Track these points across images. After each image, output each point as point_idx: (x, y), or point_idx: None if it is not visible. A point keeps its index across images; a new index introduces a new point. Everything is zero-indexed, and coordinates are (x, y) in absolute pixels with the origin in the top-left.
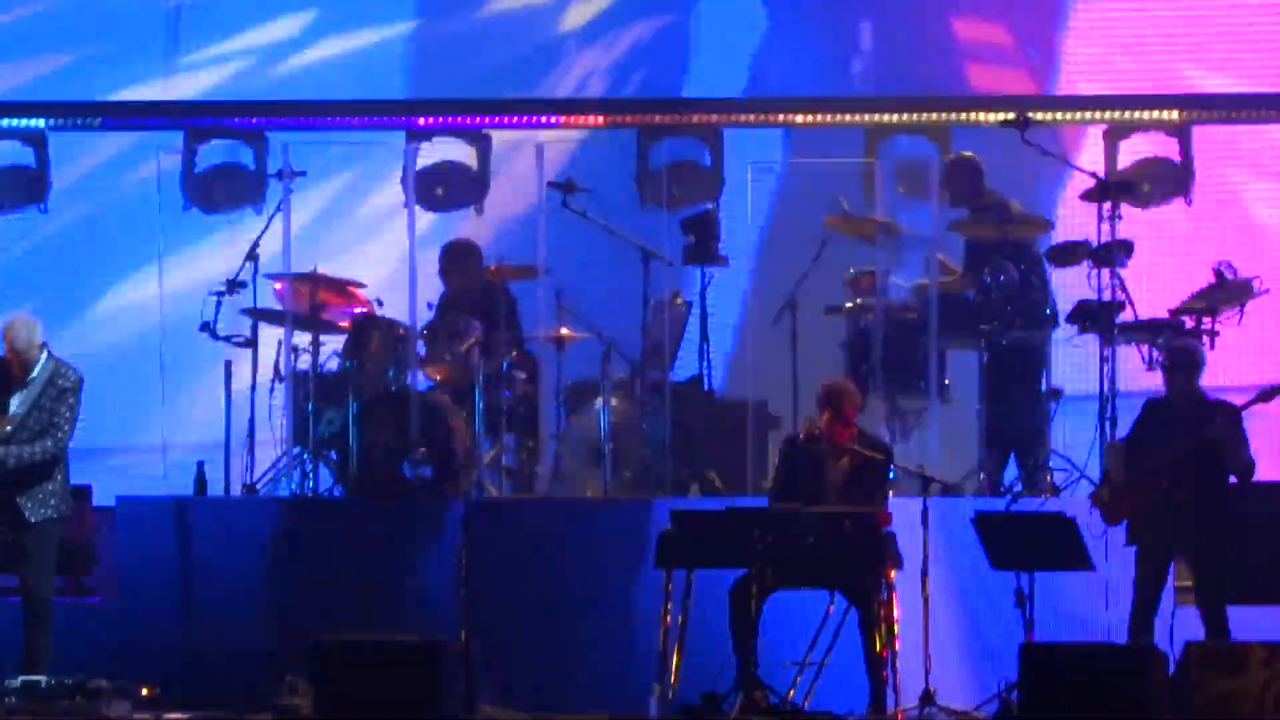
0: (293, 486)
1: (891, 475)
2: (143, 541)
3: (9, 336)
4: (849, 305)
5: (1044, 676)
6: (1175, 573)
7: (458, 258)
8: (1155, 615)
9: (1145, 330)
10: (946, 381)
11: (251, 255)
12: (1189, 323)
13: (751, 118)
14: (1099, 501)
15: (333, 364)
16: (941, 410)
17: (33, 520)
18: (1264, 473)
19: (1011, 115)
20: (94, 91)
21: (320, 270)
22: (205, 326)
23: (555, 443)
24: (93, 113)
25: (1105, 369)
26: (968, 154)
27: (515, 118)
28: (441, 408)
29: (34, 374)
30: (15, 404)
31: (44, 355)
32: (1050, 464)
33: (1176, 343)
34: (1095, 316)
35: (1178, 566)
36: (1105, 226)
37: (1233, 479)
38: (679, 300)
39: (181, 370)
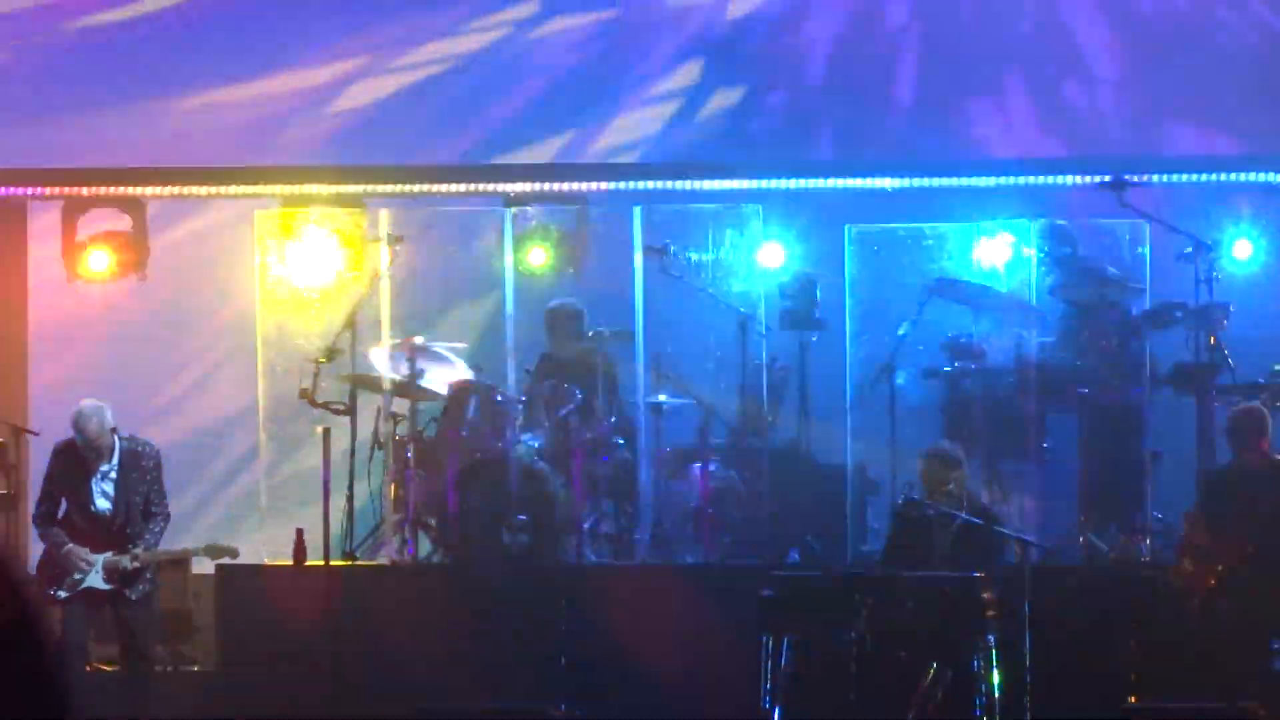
0: (392, 553)
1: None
2: (242, 609)
3: (81, 426)
4: (947, 369)
5: None
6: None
7: (562, 321)
8: (1249, 679)
9: (1243, 392)
10: (1045, 445)
11: (349, 322)
12: None
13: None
14: (1179, 575)
15: (431, 430)
16: (1040, 473)
17: (134, 598)
18: None
19: (1108, 178)
20: None
21: (418, 337)
22: (303, 393)
23: (654, 508)
24: (190, 180)
25: (1203, 432)
26: (1061, 222)
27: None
28: (540, 474)
29: (111, 460)
30: (100, 498)
31: (116, 440)
32: (1150, 527)
33: (1239, 408)
34: (1193, 378)
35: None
36: (1202, 288)
37: None
38: (777, 364)
39: (280, 437)
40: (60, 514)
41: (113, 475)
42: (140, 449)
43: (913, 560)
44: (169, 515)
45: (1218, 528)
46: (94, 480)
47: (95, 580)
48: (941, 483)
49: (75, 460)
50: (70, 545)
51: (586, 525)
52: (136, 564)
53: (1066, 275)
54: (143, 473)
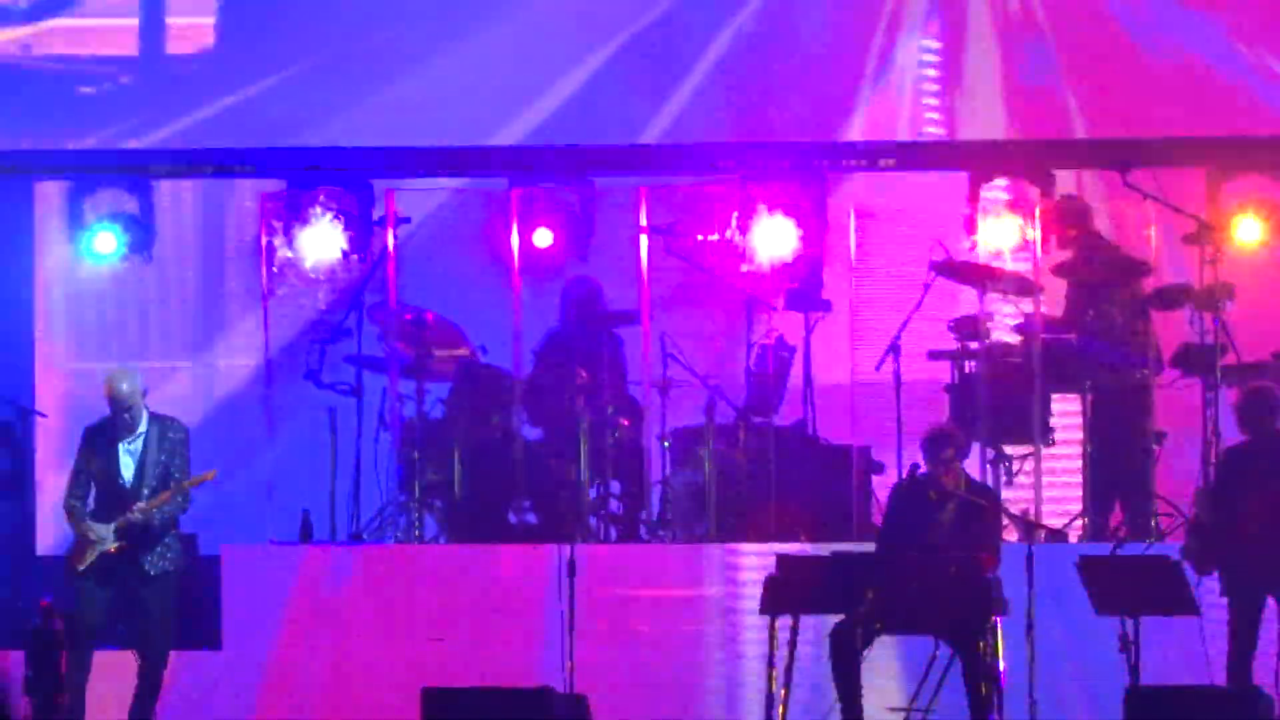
0: (398, 534)
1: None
2: (248, 590)
3: (112, 389)
4: (952, 350)
5: None
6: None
7: (578, 298)
8: (1253, 659)
9: (1248, 373)
10: (1051, 425)
11: (356, 303)
12: None
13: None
14: (1189, 554)
15: (438, 412)
16: (1046, 454)
17: (152, 573)
18: None
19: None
20: None
21: (424, 317)
22: (310, 374)
23: (660, 488)
24: (199, 161)
25: (1208, 412)
26: (1074, 195)
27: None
28: (545, 454)
29: (140, 429)
30: (125, 469)
31: (145, 409)
32: (1155, 508)
33: (1249, 387)
34: (1198, 360)
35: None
36: (1207, 270)
37: None
38: (783, 345)
39: (286, 418)
40: (91, 496)
41: (138, 446)
42: (168, 422)
43: (912, 539)
44: (189, 499)
45: (1228, 506)
46: (120, 451)
47: (108, 544)
48: (942, 464)
49: (104, 434)
50: (85, 520)
51: (592, 505)
52: (137, 516)
53: (1074, 254)
54: (168, 444)
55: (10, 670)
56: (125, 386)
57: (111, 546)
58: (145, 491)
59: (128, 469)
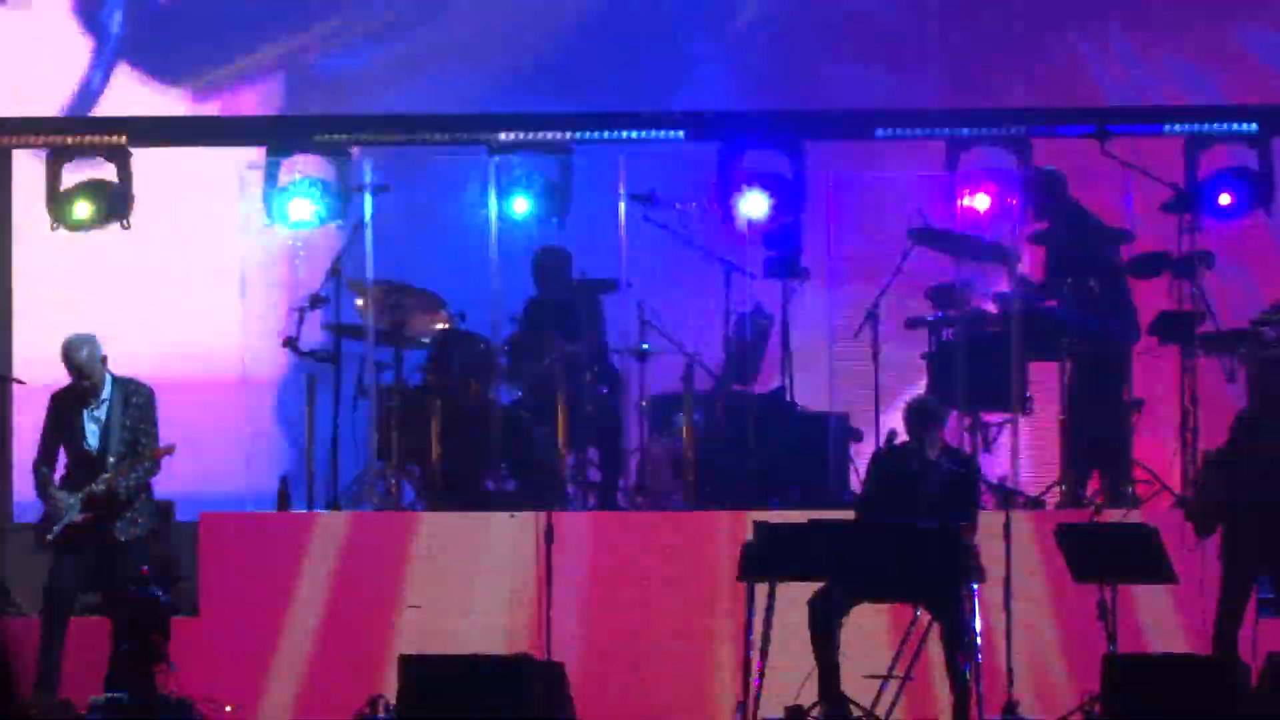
0: (375, 501)
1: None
2: (225, 556)
3: (70, 356)
4: (930, 318)
5: (1127, 688)
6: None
7: (549, 264)
8: (1239, 627)
9: (1226, 341)
10: (1029, 394)
11: (334, 270)
12: (1271, 334)
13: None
14: (1192, 515)
15: (416, 378)
16: (1024, 423)
17: (122, 539)
18: None
19: (1091, 127)
20: None
21: (403, 284)
22: (288, 341)
23: (638, 456)
24: (178, 128)
25: (1186, 380)
26: (1050, 167)
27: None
28: (523, 421)
29: (104, 394)
30: (91, 435)
31: (108, 374)
32: (1132, 476)
33: (1263, 356)
34: (1176, 327)
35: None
36: (1185, 238)
37: None
38: (761, 312)
39: (264, 386)
40: (59, 462)
41: (102, 412)
42: (132, 386)
43: (891, 507)
44: (158, 464)
45: (1235, 472)
46: (86, 418)
47: (73, 514)
48: (921, 435)
49: (70, 400)
50: (50, 488)
51: (570, 473)
52: (100, 487)
53: (1052, 222)
54: (133, 409)
55: (16, 636)
56: (83, 354)
57: (78, 517)
58: (112, 459)
59: (93, 435)
